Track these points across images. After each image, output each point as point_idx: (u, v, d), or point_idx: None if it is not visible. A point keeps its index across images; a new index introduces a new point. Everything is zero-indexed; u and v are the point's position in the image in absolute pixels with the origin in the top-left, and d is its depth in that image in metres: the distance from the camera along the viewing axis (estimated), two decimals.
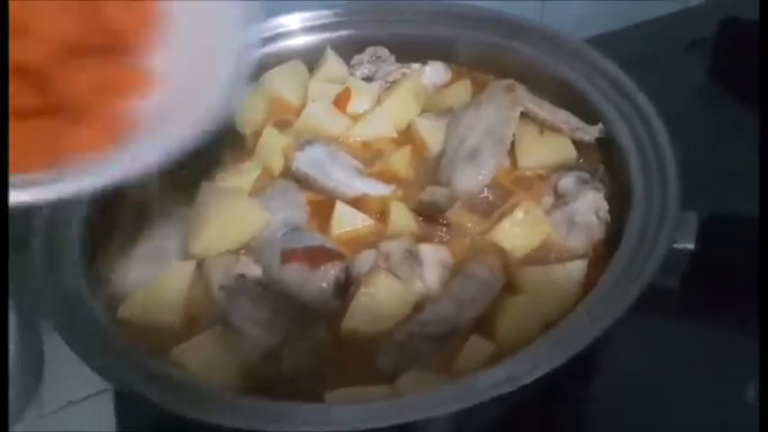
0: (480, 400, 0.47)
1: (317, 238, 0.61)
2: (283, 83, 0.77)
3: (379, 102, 0.75)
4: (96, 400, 0.75)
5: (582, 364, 0.53)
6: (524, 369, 0.49)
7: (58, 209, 0.64)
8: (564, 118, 0.69)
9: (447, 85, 0.79)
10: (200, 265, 0.61)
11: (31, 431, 0.72)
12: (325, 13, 0.82)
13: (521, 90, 0.72)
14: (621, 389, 0.62)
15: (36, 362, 0.77)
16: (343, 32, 0.82)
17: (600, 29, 1.05)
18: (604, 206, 0.62)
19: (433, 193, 0.63)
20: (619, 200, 0.62)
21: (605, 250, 0.59)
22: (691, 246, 0.56)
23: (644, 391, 0.61)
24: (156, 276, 0.60)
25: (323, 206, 0.66)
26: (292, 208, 0.65)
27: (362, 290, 0.56)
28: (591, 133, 0.68)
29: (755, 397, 0.61)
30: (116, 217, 0.68)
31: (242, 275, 0.59)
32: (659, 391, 0.60)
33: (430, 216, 0.63)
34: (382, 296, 0.55)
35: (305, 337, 0.55)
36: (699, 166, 0.72)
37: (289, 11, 0.81)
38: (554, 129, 0.68)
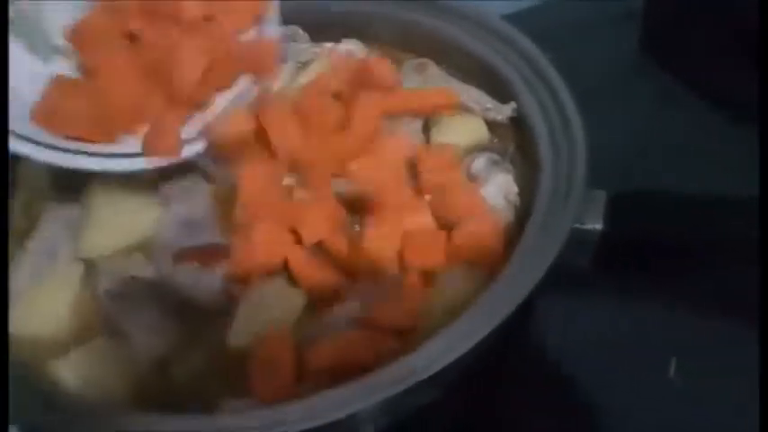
0: (381, 397, 0.45)
1: (215, 235, 0.58)
2: None
3: (290, 82, 0.71)
4: None
5: (495, 347, 0.51)
6: (429, 360, 0.46)
7: None
8: (475, 97, 0.66)
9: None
10: (91, 266, 0.58)
11: None
12: None
13: (433, 68, 0.69)
14: (538, 371, 0.60)
15: None
16: None
17: (528, 2, 1.03)
18: (513, 189, 0.60)
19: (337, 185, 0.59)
20: (530, 180, 0.60)
21: (515, 233, 0.56)
22: (598, 225, 0.54)
23: (561, 372, 0.59)
24: (41, 280, 0.56)
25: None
26: (194, 199, 0.62)
27: (243, 304, 0.52)
28: (503, 112, 0.65)
29: (676, 372, 0.59)
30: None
31: (133, 277, 0.56)
32: (577, 372, 0.59)
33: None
34: (267, 304, 0.52)
35: (199, 343, 0.52)
36: (616, 144, 0.71)
37: None
38: (465, 108, 0.66)
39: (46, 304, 0.55)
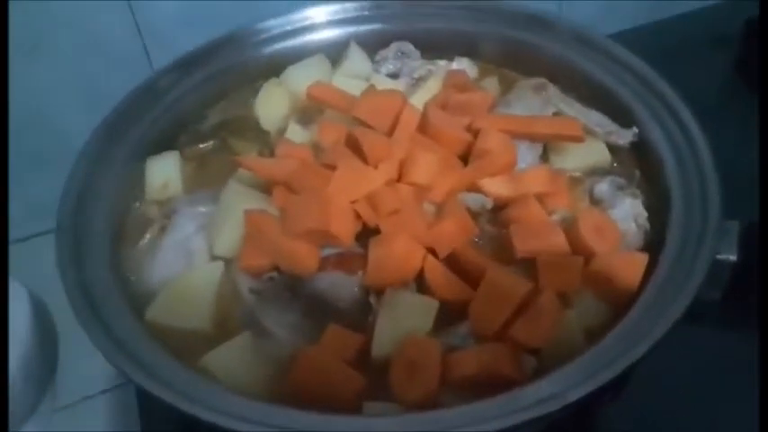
0: (526, 418, 0.46)
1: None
2: (306, 78, 0.74)
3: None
4: (112, 395, 0.75)
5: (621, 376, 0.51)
6: (570, 385, 0.47)
7: (84, 203, 0.63)
8: (597, 120, 0.67)
9: (474, 82, 0.77)
10: (229, 264, 0.60)
11: (44, 430, 0.72)
12: (350, 5, 0.80)
13: (552, 89, 0.71)
14: (661, 401, 0.60)
15: (51, 354, 0.76)
16: (369, 27, 0.81)
17: (623, 25, 1.04)
18: (643, 213, 0.60)
19: (468, 199, 0.61)
20: (656, 207, 0.61)
21: (646, 254, 0.57)
22: (733, 257, 0.55)
23: (684, 404, 0.60)
24: (182, 277, 0.59)
25: None
26: None
27: (382, 314, 0.54)
28: (625, 137, 0.66)
29: None
30: (144, 213, 0.67)
31: (271, 277, 0.58)
32: (700, 405, 0.59)
33: None
34: (404, 312, 0.54)
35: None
36: (735, 171, 0.72)
37: (314, 3, 0.80)
38: (587, 131, 0.67)
39: (190, 299, 0.57)
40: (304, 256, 0.56)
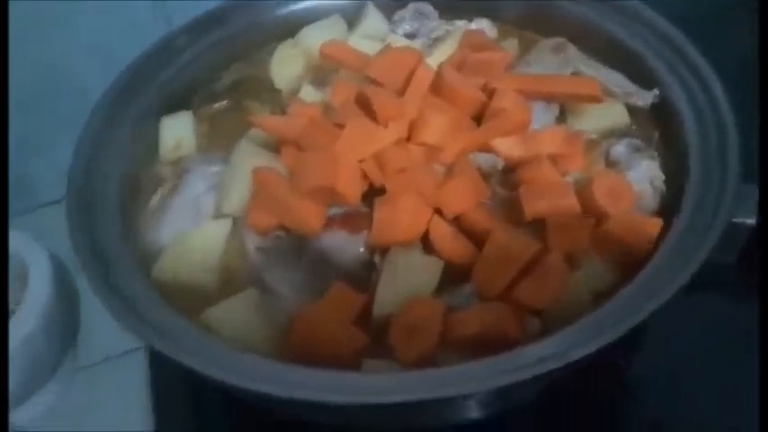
0: (526, 376, 0.45)
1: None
2: (321, 39, 0.73)
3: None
4: (136, 356, 0.76)
5: (631, 338, 0.50)
6: (572, 344, 0.46)
7: (96, 162, 0.63)
8: (617, 81, 0.65)
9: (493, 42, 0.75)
10: (237, 222, 0.60)
11: (66, 389, 0.73)
12: None
13: (572, 49, 0.69)
14: (672, 366, 0.59)
15: (72, 313, 0.78)
16: None
17: None
18: (660, 176, 0.59)
19: (479, 159, 0.60)
20: (674, 170, 0.59)
21: (660, 219, 0.55)
22: (751, 221, 0.53)
23: (695, 369, 0.58)
24: (190, 233, 0.59)
25: None
26: None
27: (385, 273, 0.53)
28: (646, 99, 0.64)
29: None
30: (157, 172, 0.67)
31: (278, 236, 0.58)
32: (711, 371, 0.58)
33: None
34: (406, 272, 0.53)
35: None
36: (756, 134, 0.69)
37: None
38: (606, 92, 0.65)
39: (197, 256, 0.58)
40: (309, 215, 0.56)
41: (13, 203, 0.84)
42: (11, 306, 0.74)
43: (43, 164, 0.88)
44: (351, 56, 0.69)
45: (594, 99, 0.63)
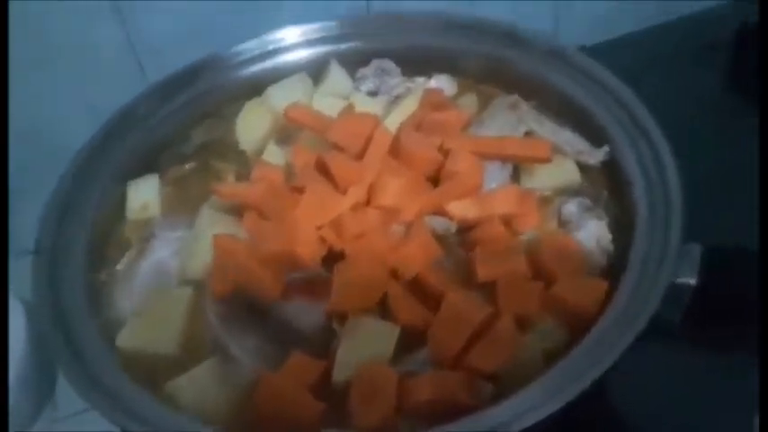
0: None
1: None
2: (287, 97, 0.76)
3: (383, 117, 0.74)
4: None
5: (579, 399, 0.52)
6: (527, 409, 0.48)
7: (65, 226, 0.65)
8: (567, 139, 0.68)
9: (453, 98, 0.78)
10: (199, 289, 0.61)
11: None
12: (329, 24, 0.81)
13: (525, 108, 0.71)
14: (620, 423, 0.61)
15: (51, 364, 0.79)
16: (349, 44, 0.81)
17: (617, 32, 1.03)
18: (606, 236, 0.61)
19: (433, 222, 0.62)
20: (622, 227, 0.61)
21: (606, 281, 0.57)
22: (692, 281, 0.55)
23: (644, 425, 0.60)
24: (153, 301, 0.60)
25: None
26: None
27: (344, 340, 0.55)
28: (596, 157, 0.66)
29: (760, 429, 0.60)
30: (124, 236, 0.69)
31: (239, 303, 0.59)
32: (660, 426, 0.60)
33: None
34: (364, 338, 0.55)
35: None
36: (707, 190, 0.71)
37: (295, 23, 0.81)
38: (558, 151, 0.67)
39: (159, 324, 0.59)
40: (269, 282, 0.57)
41: None
42: None
43: (18, 213, 0.89)
44: (313, 119, 0.71)
45: (544, 160, 0.65)
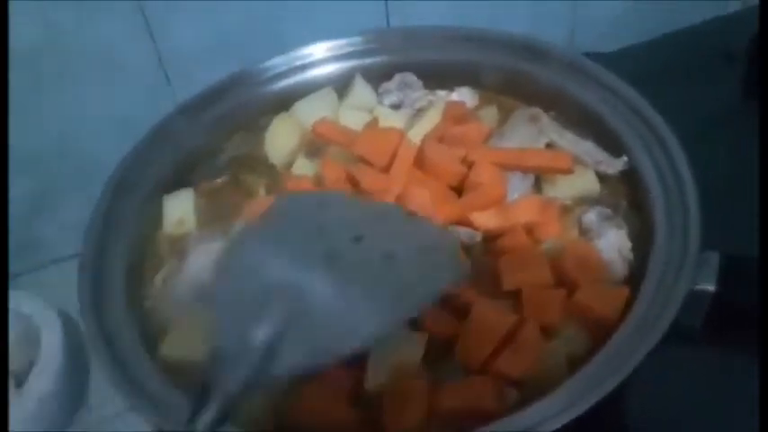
0: None
1: None
2: (314, 111, 0.79)
3: (406, 130, 0.76)
4: None
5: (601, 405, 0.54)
6: (551, 414, 0.50)
7: (105, 243, 0.68)
8: (587, 150, 0.70)
9: (474, 110, 0.80)
10: None
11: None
12: (354, 40, 0.84)
13: (546, 120, 0.73)
14: (640, 428, 0.63)
15: (83, 372, 0.82)
16: (373, 59, 0.84)
17: (633, 39, 1.05)
18: (627, 245, 0.63)
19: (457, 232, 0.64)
20: (642, 236, 0.63)
21: (627, 288, 0.59)
22: (711, 288, 0.57)
23: (663, 429, 0.62)
24: (196, 311, 0.63)
25: None
26: None
27: (373, 349, 0.56)
28: (614, 167, 0.68)
29: None
30: (161, 250, 0.72)
31: None
32: (680, 430, 0.61)
33: None
34: (394, 347, 0.57)
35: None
36: (725, 197, 0.73)
37: (319, 39, 0.84)
38: (578, 161, 0.69)
39: (201, 334, 0.61)
40: None
41: (20, 261, 0.89)
42: (19, 367, 0.78)
43: (49, 222, 0.92)
44: (340, 134, 0.74)
45: (565, 171, 0.67)
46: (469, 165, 0.68)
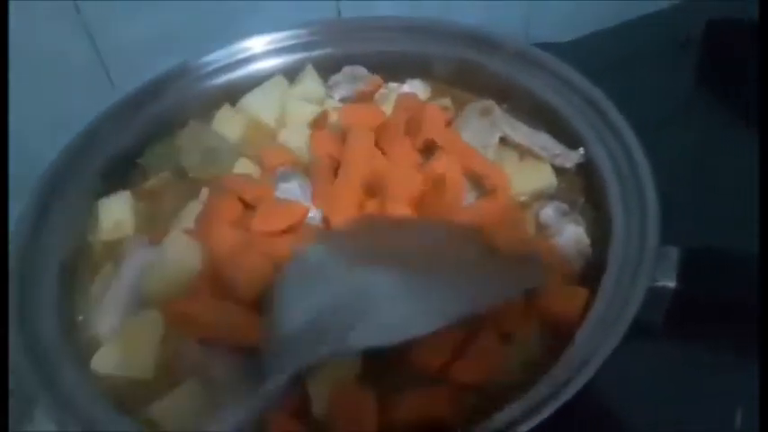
0: None
1: None
2: (264, 102, 0.76)
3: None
4: None
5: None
6: (515, 418, 0.48)
7: (35, 248, 0.63)
8: (542, 143, 0.67)
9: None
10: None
11: None
12: (299, 32, 0.80)
13: (498, 113, 0.70)
14: (606, 426, 0.61)
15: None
16: (320, 51, 0.80)
17: (590, 28, 1.04)
18: (585, 241, 0.61)
19: None
20: (599, 231, 0.61)
21: (586, 288, 0.57)
22: (671, 284, 0.55)
23: (629, 427, 0.60)
24: (127, 323, 0.59)
25: None
26: None
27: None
28: (571, 159, 0.66)
29: (742, 423, 0.60)
30: (96, 256, 0.67)
31: None
32: (647, 428, 0.60)
33: None
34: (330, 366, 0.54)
35: None
36: (682, 191, 0.72)
37: (267, 29, 0.80)
38: (533, 155, 0.67)
39: (134, 347, 0.57)
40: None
41: None
42: None
43: None
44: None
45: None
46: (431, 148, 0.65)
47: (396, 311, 0.50)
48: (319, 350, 0.49)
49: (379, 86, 0.78)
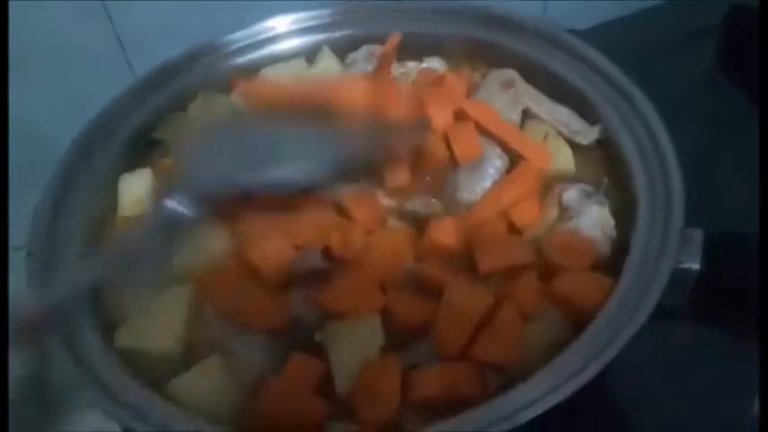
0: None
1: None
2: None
3: None
4: None
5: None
6: (533, 400, 0.48)
7: (57, 224, 0.64)
8: (564, 119, 0.67)
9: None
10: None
11: None
12: (320, 12, 0.80)
13: (521, 85, 0.70)
14: (628, 408, 0.61)
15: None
16: (339, 32, 0.80)
17: (606, 15, 1.03)
18: (610, 222, 0.60)
19: (415, 204, 0.62)
20: (624, 213, 0.61)
21: (609, 277, 0.56)
22: (696, 266, 0.55)
23: (651, 409, 0.60)
24: (152, 300, 0.59)
25: None
26: None
27: (331, 350, 0.54)
28: (590, 136, 0.66)
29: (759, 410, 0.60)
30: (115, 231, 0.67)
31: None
32: (667, 410, 0.60)
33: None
34: (350, 340, 0.54)
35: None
36: (700, 176, 0.71)
37: (286, 11, 0.80)
38: (554, 132, 0.66)
39: (158, 322, 0.58)
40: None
41: None
42: None
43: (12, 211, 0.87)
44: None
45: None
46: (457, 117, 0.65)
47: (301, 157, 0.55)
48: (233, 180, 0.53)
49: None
